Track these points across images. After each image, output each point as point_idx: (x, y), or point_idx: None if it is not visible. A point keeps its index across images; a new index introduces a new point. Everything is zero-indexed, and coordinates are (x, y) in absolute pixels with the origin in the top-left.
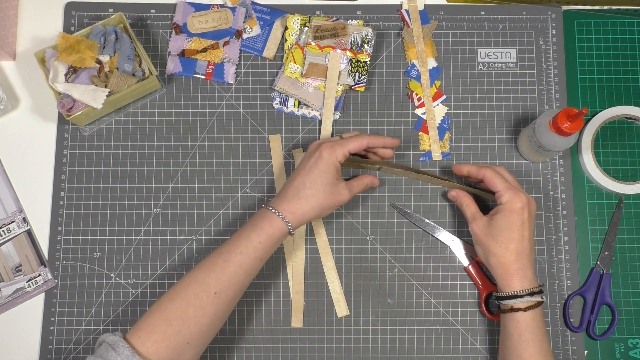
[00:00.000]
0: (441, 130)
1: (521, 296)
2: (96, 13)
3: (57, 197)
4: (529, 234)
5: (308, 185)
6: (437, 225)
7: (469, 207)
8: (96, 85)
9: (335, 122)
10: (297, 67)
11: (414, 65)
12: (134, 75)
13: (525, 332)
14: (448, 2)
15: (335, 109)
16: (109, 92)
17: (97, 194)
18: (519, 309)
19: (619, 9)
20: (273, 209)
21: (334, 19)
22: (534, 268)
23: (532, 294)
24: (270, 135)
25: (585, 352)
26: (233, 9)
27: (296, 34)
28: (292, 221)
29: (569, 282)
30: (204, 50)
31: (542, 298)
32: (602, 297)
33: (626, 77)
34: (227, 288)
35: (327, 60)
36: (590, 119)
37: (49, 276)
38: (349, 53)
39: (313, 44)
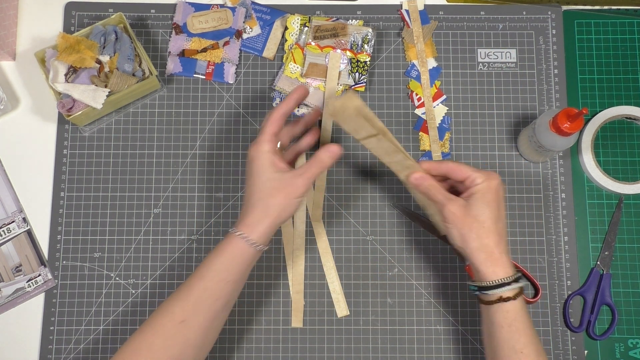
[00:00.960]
0: (441, 130)
1: (508, 283)
2: (96, 13)
3: (57, 197)
4: (505, 214)
5: (253, 191)
6: None
7: (438, 189)
8: (96, 85)
9: (335, 122)
10: (297, 67)
11: (414, 65)
12: (134, 75)
13: (515, 322)
14: (448, 2)
15: None
16: (109, 92)
17: (97, 194)
18: (508, 298)
19: (619, 9)
20: (233, 229)
21: (334, 19)
22: (508, 252)
23: (517, 279)
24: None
25: (585, 352)
26: (233, 9)
27: (296, 34)
28: (252, 234)
29: (569, 282)
30: (204, 50)
31: (521, 282)
32: (602, 297)
33: (626, 77)
34: (194, 315)
35: (327, 60)
36: (590, 119)
37: (49, 276)
38: (349, 53)
39: (313, 44)
